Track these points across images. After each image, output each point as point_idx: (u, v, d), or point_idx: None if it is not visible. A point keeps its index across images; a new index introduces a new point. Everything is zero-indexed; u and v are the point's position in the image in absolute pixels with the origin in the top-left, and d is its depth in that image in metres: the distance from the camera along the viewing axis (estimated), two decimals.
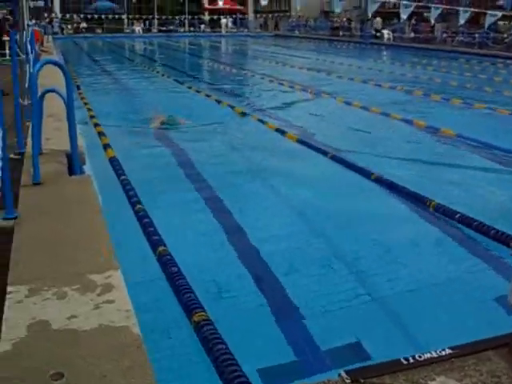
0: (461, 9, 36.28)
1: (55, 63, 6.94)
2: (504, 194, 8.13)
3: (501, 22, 36.23)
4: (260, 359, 4.08)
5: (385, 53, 39.50)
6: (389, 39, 45.14)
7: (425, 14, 43.62)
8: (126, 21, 59.98)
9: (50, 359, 3.01)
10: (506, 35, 35.01)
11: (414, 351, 3.25)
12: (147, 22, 59.95)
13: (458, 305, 4.95)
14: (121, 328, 3.29)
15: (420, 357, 3.13)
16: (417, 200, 7.29)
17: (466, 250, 6.16)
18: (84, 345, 3.14)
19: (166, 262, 5.10)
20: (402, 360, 3.09)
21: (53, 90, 7.10)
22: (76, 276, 3.94)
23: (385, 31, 45.92)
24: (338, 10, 41.50)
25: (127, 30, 58.54)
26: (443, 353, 3.18)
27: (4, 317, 3.38)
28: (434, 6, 38.55)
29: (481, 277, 5.51)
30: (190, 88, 18.63)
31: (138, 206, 6.52)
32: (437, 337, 4.14)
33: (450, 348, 3.22)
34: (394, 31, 46.19)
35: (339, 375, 2.95)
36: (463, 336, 3.51)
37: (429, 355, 3.15)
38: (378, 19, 47.37)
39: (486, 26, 34.43)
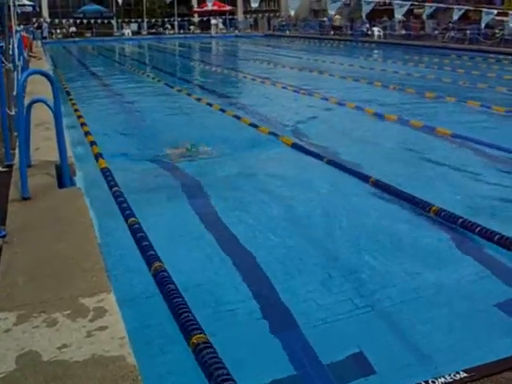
0: (455, 7, 36.17)
1: (41, 73, 6.73)
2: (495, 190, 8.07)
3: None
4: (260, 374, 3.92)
5: (376, 51, 39.38)
6: (379, 37, 45.07)
7: (415, 11, 43.54)
8: (115, 24, 59.67)
9: None
10: (497, 30, 34.90)
11: None
12: (137, 25, 59.73)
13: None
14: (115, 358, 3.10)
15: (434, 382, 2.95)
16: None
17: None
18: (76, 378, 2.95)
19: (162, 279, 4.90)
20: None
21: (40, 100, 6.91)
22: (67, 300, 3.75)
23: (375, 29, 45.87)
24: (331, 12, 41.29)
25: (117, 34, 58.29)
26: (457, 376, 3.01)
27: None
28: (428, 4, 38.41)
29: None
30: (180, 91, 18.45)
31: (132, 219, 6.31)
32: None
33: (465, 371, 3.05)
34: (384, 29, 46.12)
35: None
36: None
37: (443, 380, 2.97)
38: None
39: (483, 24, 34.31)
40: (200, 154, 9.72)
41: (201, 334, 3.91)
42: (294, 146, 10.48)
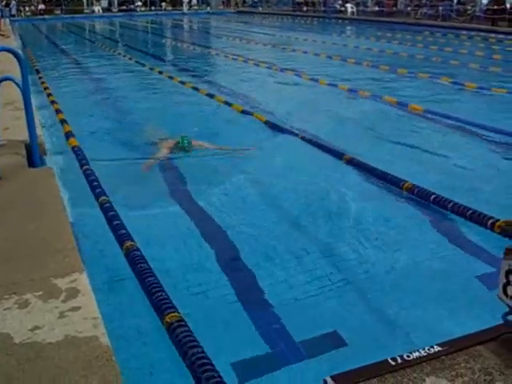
0: None
1: (8, 50, 6.57)
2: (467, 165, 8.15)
3: None
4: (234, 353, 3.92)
5: (349, 27, 39.31)
6: (352, 13, 44.93)
7: None
8: (85, 1, 58.59)
9: (12, 378, 2.77)
10: (468, 7, 34.96)
11: None
12: (107, 2, 58.72)
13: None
14: (88, 339, 3.06)
15: (408, 356, 2.97)
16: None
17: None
18: (49, 360, 2.90)
19: (135, 258, 4.84)
20: (390, 361, 2.93)
21: (8, 78, 6.76)
22: (38, 281, 3.69)
23: (348, 5, 45.65)
24: None
25: (87, 11, 57.27)
26: (432, 350, 3.02)
27: None
28: None
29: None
30: (152, 70, 18.22)
31: (103, 197, 6.23)
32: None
33: (439, 345, 3.07)
34: (357, 5, 45.96)
35: (325, 382, 2.77)
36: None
37: (417, 354, 2.99)
38: None
39: (455, 0, 34.36)
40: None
41: (174, 312, 3.88)
42: (267, 123, 10.43)
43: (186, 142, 8.61)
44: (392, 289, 4.83)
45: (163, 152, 8.60)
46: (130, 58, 21.30)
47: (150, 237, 5.63)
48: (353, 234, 5.90)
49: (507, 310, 3.10)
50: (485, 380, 2.82)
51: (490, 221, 5.62)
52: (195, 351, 3.48)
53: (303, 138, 9.23)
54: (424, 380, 2.81)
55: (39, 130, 7.44)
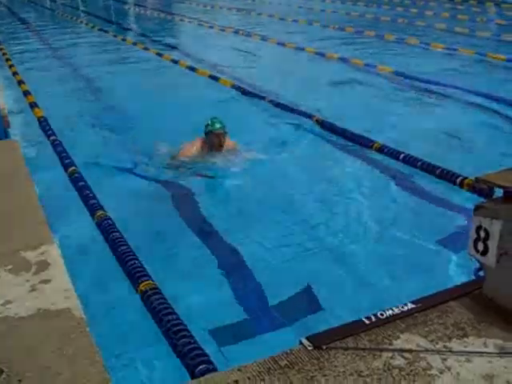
0: None
1: None
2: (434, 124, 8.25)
3: None
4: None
5: None
6: None
7: None
8: None
9: None
10: None
11: None
12: None
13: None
14: (61, 311, 3.03)
15: (382, 314, 2.99)
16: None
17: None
18: (22, 334, 2.86)
19: (106, 227, 4.80)
20: (364, 320, 2.95)
21: None
22: (8, 254, 3.62)
23: None
24: None
25: None
26: (405, 308, 3.05)
27: None
28: None
29: None
30: (115, 37, 17.87)
31: (72, 168, 6.14)
32: None
33: (412, 302, 3.10)
34: None
35: (300, 343, 2.78)
36: None
37: (391, 312, 3.01)
38: None
39: None
40: None
41: (148, 280, 3.86)
42: (234, 87, 10.35)
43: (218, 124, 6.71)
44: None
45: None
46: (92, 27, 20.84)
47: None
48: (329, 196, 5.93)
49: (478, 265, 3.13)
50: (458, 335, 2.86)
51: (459, 178, 5.69)
52: (170, 318, 3.47)
53: (271, 102, 9.18)
54: (398, 337, 2.84)
55: (2, 103, 7.26)
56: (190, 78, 11.57)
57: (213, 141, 6.68)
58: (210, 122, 6.67)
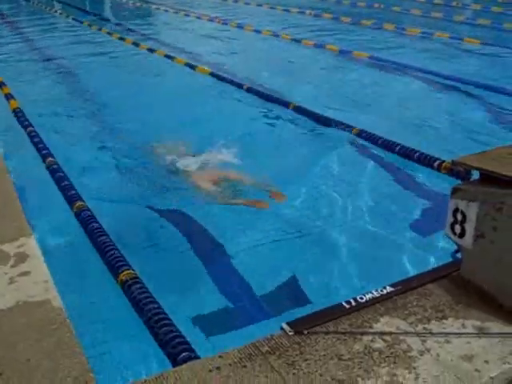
0: None
1: None
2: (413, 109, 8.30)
3: None
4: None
5: None
6: None
7: None
8: None
9: None
10: None
11: None
12: None
13: None
14: (41, 303, 3.01)
15: (362, 298, 3.01)
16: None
17: None
18: (2, 327, 2.84)
19: (85, 218, 4.76)
20: (344, 304, 2.97)
21: None
22: None
23: None
24: None
25: None
26: (384, 291, 3.08)
27: None
28: None
29: None
30: (90, 26, 17.63)
31: (50, 159, 6.08)
32: None
33: (391, 285, 3.13)
34: None
35: (281, 328, 2.80)
36: None
37: (370, 295, 3.04)
38: None
39: None
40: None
41: (129, 270, 3.85)
42: (212, 74, 10.32)
43: None
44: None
45: None
46: (67, 16, 20.54)
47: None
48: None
49: (456, 248, 3.17)
50: (436, 317, 2.89)
51: (437, 162, 5.73)
52: (151, 307, 3.47)
53: (248, 89, 9.16)
54: (378, 320, 2.87)
55: None
56: (166, 66, 11.48)
57: None
58: None
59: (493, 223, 2.85)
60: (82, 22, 18.61)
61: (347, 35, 14.73)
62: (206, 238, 4.85)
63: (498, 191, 2.81)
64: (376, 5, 20.14)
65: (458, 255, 3.18)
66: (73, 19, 19.65)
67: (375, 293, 3.07)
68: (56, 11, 22.88)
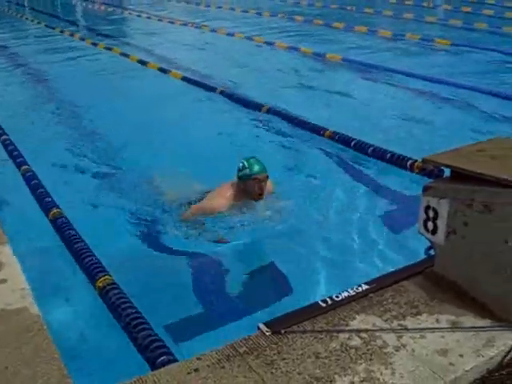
0: None
1: None
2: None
3: None
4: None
5: None
6: None
7: None
8: None
9: None
10: None
11: None
12: None
13: None
14: (18, 310, 3.00)
15: (337, 297, 3.05)
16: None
17: None
18: None
19: (61, 225, 4.74)
20: (320, 303, 3.00)
21: None
22: None
23: None
24: None
25: None
26: (360, 289, 3.12)
27: None
28: None
29: None
30: (62, 32, 17.52)
31: (25, 166, 6.04)
32: None
33: (366, 283, 3.17)
34: None
35: (258, 328, 2.82)
36: None
37: (346, 294, 3.08)
38: None
39: None
40: None
41: (106, 276, 3.84)
42: (185, 79, 10.33)
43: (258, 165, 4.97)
44: None
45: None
46: (38, 22, 20.37)
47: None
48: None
49: (429, 244, 3.22)
50: (411, 313, 2.94)
51: (409, 162, 5.80)
52: (129, 312, 3.47)
53: (222, 92, 9.18)
54: (354, 318, 2.91)
55: None
56: (139, 71, 11.46)
57: (253, 188, 4.98)
58: (246, 164, 4.96)
59: (463, 219, 2.90)
60: (53, 28, 18.49)
61: (320, 37, 14.85)
62: None
63: (467, 188, 2.87)
64: (349, 7, 20.32)
65: (432, 251, 3.24)
66: (45, 26, 19.51)
67: (351, 291, 3.11)
68: (27, 18, 22.70)
